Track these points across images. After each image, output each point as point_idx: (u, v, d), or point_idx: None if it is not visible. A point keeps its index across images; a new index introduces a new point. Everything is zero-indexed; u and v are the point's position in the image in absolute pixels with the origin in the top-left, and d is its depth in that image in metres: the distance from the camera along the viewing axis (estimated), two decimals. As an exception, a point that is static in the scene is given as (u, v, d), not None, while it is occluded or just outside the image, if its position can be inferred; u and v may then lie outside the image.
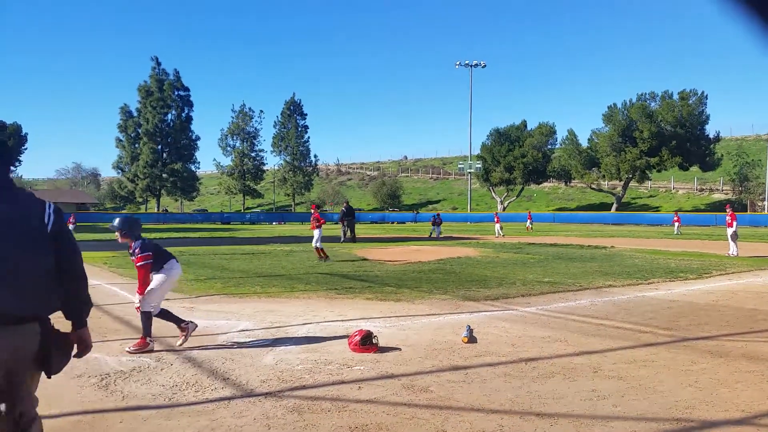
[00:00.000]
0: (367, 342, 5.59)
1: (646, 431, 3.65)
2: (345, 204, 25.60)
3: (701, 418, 3.85)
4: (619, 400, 4.21)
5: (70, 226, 32.27)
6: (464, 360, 5.36)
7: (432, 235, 30.81)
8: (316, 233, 16.08)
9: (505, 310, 8.11)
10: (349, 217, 24.73)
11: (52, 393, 4.34)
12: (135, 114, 73.59)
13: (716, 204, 63.49)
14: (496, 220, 33.61)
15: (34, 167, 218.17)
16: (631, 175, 64.78)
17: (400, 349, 5.74)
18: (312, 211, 17.25)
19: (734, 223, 18.11)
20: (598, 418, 3.83)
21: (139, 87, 72.82)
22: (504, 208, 72.79)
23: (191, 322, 6.07)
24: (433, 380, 4.72)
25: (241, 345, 5.96)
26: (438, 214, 33.77)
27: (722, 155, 64.39)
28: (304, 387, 4.52)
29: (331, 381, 4.69)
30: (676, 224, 36.19)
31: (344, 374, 4.88)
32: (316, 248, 15.95)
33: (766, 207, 59.34)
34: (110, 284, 10.87)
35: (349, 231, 24.42)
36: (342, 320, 7.26)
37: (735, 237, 18.02)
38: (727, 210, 18.99)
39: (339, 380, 4.71)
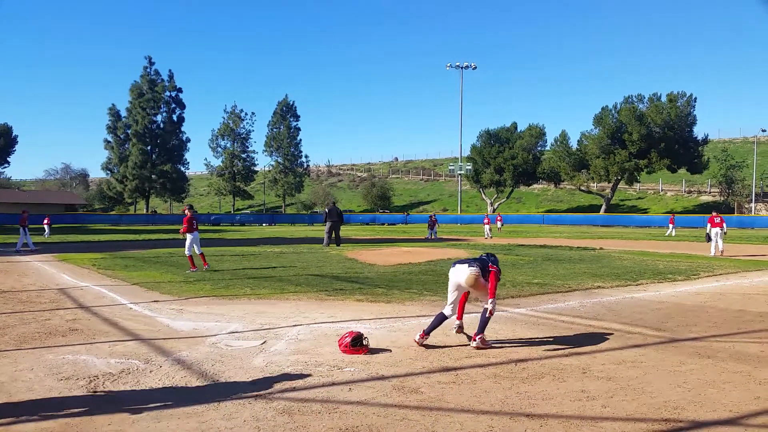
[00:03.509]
0: (357, 343, 5.59)
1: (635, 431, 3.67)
2: (329, 204, 24.91)
3: (690, 419, 3.88)
4: (608, 400, 4.24)
5: (45, 227, 31.81)
6: (454, 361, 5.37)
7: (431, 237, 30.94)
8: (189, 237, 13.59)
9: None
10: (334, 218, 23.13)
11: (40, 395, 4.31)
12: (124, 115, 73.10)
13: (704, 206, 64.06)
14: (486, 221, 34.03)
15: (23, 168, 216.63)
16: (619, 177, 65.24)
17: (390, 351, 5.75)
18: (185, 212, 14.08)
19: (724, 225, 18.96)
20: (588, 419, 3.85)
21: (132, 87, 72.29)
22: (494, 210, 73.08)
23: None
24: (423, 381, 4.73)
25: (230, 347, 5.92)
26: (434, 215, 33.85)
27: (709, 158, 64.92)
28: (294, 389, 4.51)
29: (322, 382, 4.69)
30: (671, 226, 36.89)
31: (335, 376, 4.87)
32: (190, 256, 13.64)
33: (753, 209, 60.00)
34: (98, 286, 10.79)
35: (333, 233, 23.08)
36: (332, 322, 7.25)
37: (722, 237, 18.81)
38: (713, 213, 19.82)
39: (329, 382, 4.70)
